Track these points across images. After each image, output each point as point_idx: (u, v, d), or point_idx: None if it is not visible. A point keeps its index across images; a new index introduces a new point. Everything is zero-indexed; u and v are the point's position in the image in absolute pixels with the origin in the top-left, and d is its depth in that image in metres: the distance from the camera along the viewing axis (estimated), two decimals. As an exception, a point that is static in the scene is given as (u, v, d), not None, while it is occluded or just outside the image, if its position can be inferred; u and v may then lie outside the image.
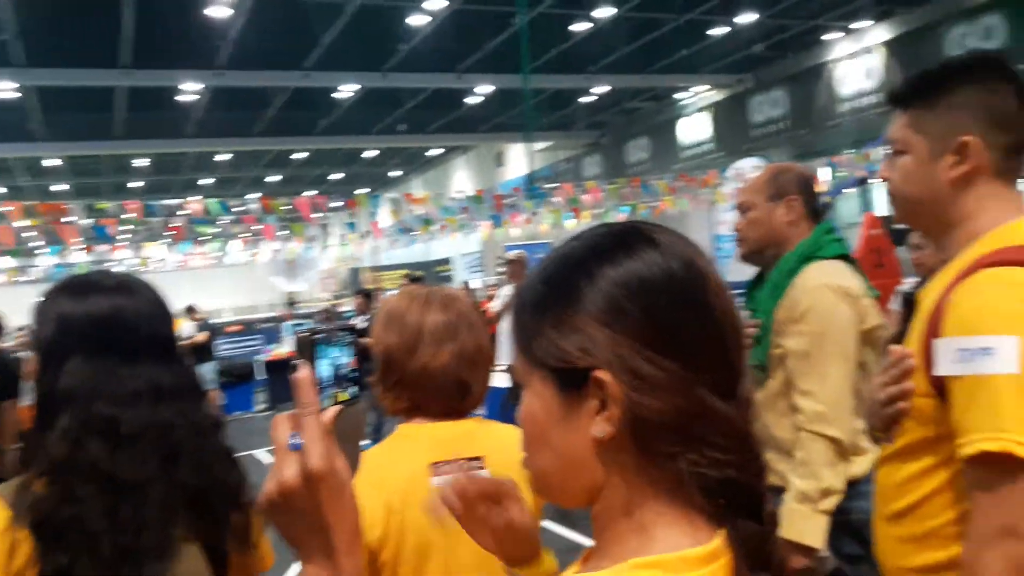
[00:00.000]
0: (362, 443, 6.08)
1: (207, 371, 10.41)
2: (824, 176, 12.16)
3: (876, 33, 15.09)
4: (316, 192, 26.75)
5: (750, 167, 11.69)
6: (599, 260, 0.67)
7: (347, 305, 15.74)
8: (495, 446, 1.47)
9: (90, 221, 13.37)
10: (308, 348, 0.76)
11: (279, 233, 15.80)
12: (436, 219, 14.51)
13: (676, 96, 20.22)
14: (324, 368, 0.79)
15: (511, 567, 0.96)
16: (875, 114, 14.41)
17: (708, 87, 19.07)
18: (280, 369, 11.51)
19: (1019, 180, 1.38)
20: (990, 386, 1.13)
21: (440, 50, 15.06)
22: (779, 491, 1.98)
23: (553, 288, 0.68)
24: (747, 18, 14.75)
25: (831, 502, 1.93)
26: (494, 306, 7.24)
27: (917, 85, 1.39)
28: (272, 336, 13.51)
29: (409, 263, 22.24)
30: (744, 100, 18.20)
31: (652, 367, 0.62)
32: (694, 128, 19.77)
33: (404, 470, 1.40)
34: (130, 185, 26.46)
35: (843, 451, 1.96)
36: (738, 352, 0.67)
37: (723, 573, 0.62)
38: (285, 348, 12.32)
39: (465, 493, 0.91)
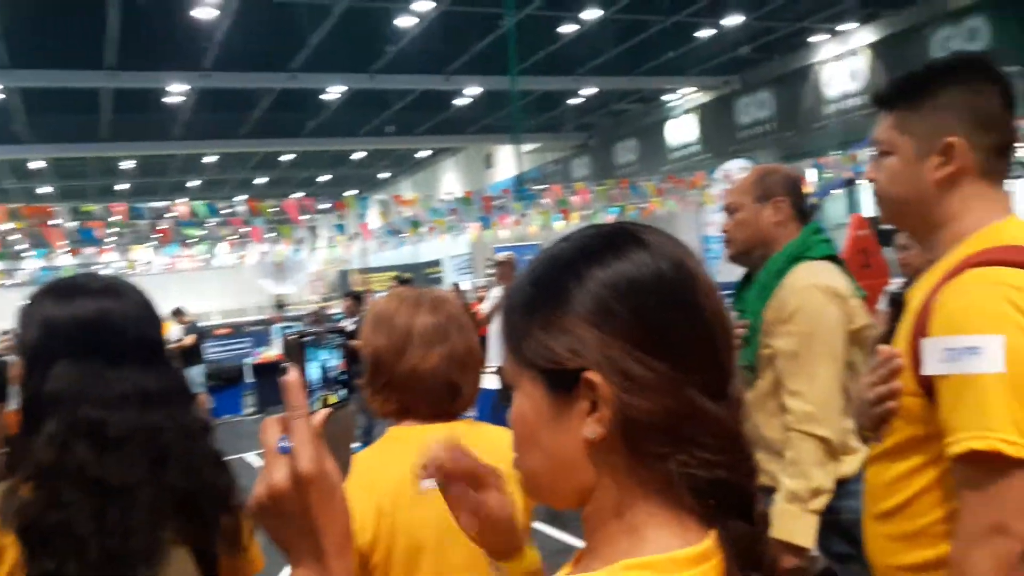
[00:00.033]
0: (353, 445, 6.07)
1: (195, 374, 10.37)
2: (810, 177, 12.23)
3: (861, 35, 15.20)
4: (304, 194, 26.67)
5: (737, 168, 11.74)
6: (588, 261, 0.67)
7: (336, 307, 15.69)
8: (486, 448, 1.46)
9: (76, 224, 13.27)
10: (297, 351, 0.76)
11: (267, 235, 15.73)
12: (425, 221, 14.50)
13: (663, 98, 20.29)
14: (313, 371, 0.79)
15: (494, 560, 0.97)
16: (861, 116, 14.50)
17: (695, 89, 19.14)
18: (269, 372, 11.46)
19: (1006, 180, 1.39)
20: (977, 385, 1.14)
21: (427, 52, 15.05)
22: (770, 491, 1.98)
23: (542, 289, 0.68)
24: (733, 20, 14.82)
25: (821, 502, 1.94)
26: (484, 308, 7.24)
27: (902, 87, 1.40)
28: (261, 339, 13.46)
29: (398, 265, 22.19)
30: (731, 102, 18.28)
31: (642, 368, 0.62)
32: (681, 130, 19.84)
33: (395, 473, 1.40)
34: (116, 187, 26.30)
35: (832, 451, 1.97)
36: (728, 353, 0.67)
37: (714, 574, 0.62)
38: (274, 351, 12.27)
39: (442, 467, 0.91)
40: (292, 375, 0.67)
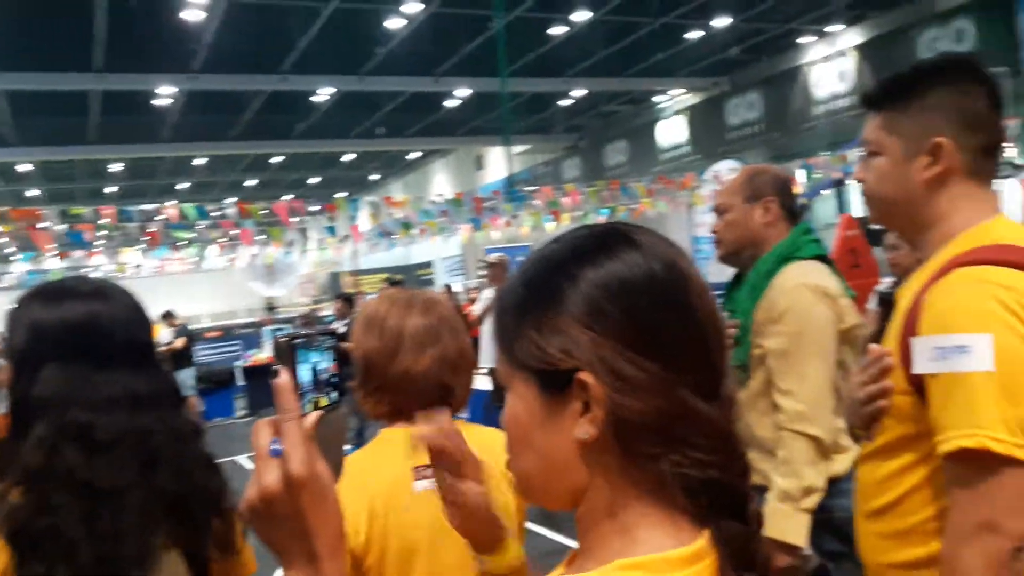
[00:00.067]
0: (345, 448, 6.05)
1: (186, 377, 10.33)
2: (800, 178, 12.27)
3: (849, 37, 15.27)
4: (294, 196, 26.60)
5: (727, 169, 11.77)
6: (580, 262, 0.67)
7: (327, 310, 15.64)
8: (478, 449, 1.46)
9: (64, 227, 13.18)
10: (288, 353, 0.75)
11: (257, 238, 15.66)
12: (416, 223, 14.47)
13: (653, 99, 20.33)
14: (304, 373, 0.78)
15: (478, 553, 0.97)
16: (849, 116, 14.56)
17: (684, 90, 19.19)
18: (260, 375, 11.44)
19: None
20: (966, 383, 1.15)
21: (417, 53, 15.04)
22: (762, 490, 1.99)
23: (534, 290, 0.68)
24: (722, 22, 14.87)
25: (813, 500, 1.95)
26: (476, 309, 7.23)
27: (890, 88, 1.41)
28: (251, 342, 13.42)
29: (390, 267, 22.13)
30: (720, 103, 18.33)
31: (634, 368, 0.63)
32: (671, 131, 19.88)
33: (387, 474, 1.40)
34: (105, 190, 26.16)
35: (824, 450, 1.97)
36: (720, 353, 0.67)
37: (707, 573, 0.62)
38: (264, 354, 12.24)
39: (431, 444, 0.96)
40: (283, 378, 0.66)
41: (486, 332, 6.41)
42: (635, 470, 0.64)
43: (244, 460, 7.53)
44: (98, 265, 17.79)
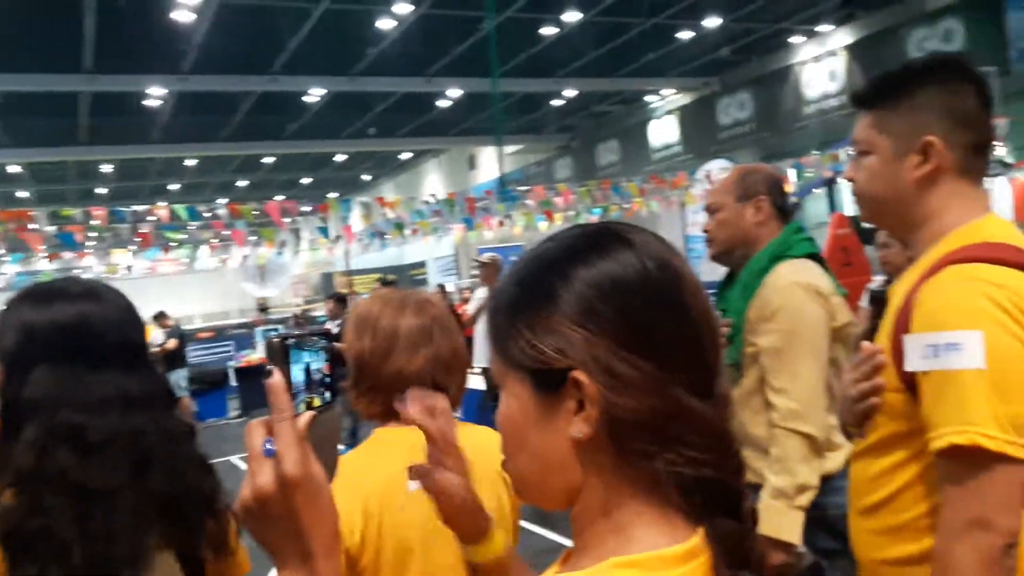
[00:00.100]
0: (339, 448, 6.04)
1: (179, 378, 10.30)
2: (791, 177, 12.31)
3: (839, 36, 15.33)
4: (285, 197, 26.53)
5: (718, 169, 11.80)
6: (573, 261, 0.67)
7: (320, 310, 15.60)
8: (472, 449, 1.46)
9: (54, 228, 13.12)
10: (280, 353, 0.75)
11: (249, 238, 15.62)
12: (408, 223, 14.45)
13: (645, 99, 20.37)
14: (297, 373, 0.78)
15: (463, 544, 0.98)
16: (840, 116, 14.63)
17: (675, 90, 19.23)
18: (253, 375, 11.41)
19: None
20: (957, 381, 1.16)
21: (408, 54, 15.02)
22: (757, 488, 2.00)
23: (528, 290, 0.68)
24: (713, 22, 14.91)
25: (806, 498, 1.95)
26: (469, 309, 7.23)
27: (880, 87, 1.41)
28: (244, 342, 13.38)
29: (383, 267, 22.09)
30: (711, 103, 18.38)
31: (627, 367, 0.63)
32: (663, 131, 19.92)
33: (381, 474, 1.40)
34: (96, 191, 26.04)
35: (817, 447, 1.98)
36: (714, 351, 0.67)
37: (702, 571, 0.62)
38: (257, 354, 12.21)
39: (414, 422, 0.98)
40: (276, 377, 0.66)
41: (479, 332, 6.42)
42: (629, 469, 0.64)
43: (238, 460, 7.52)
44: (89, 266, 17.70)
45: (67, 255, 15.25)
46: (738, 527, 0.64)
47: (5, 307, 1.25)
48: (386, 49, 14.74)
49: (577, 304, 0.65)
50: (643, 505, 0.64)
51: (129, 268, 16.42)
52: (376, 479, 1.39)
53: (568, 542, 0.70)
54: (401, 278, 19.58)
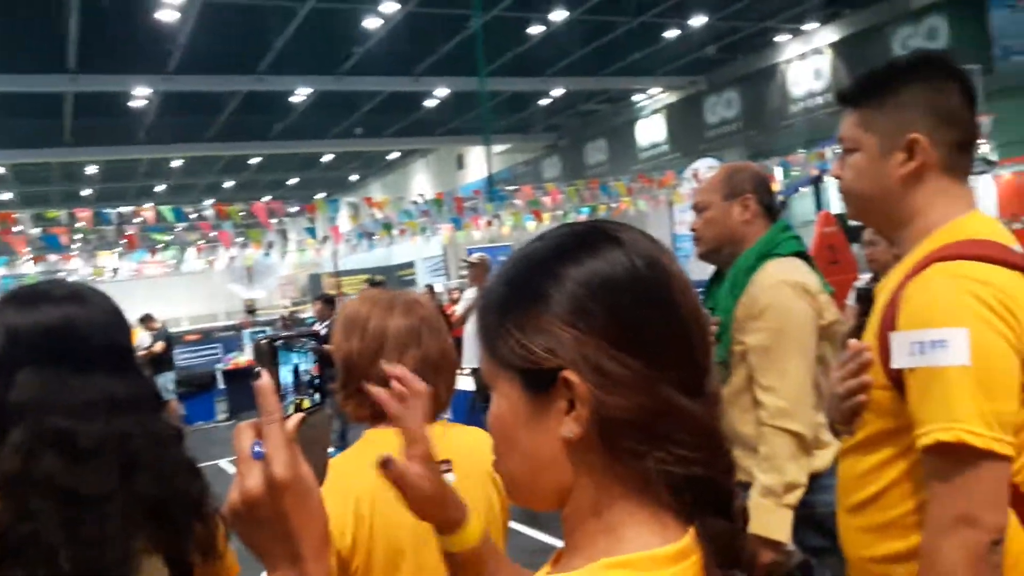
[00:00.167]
0: (330, 450, 6.02)
1: (166, 381, 10.24)
2: (778, 175, 12.37)
3: (824, 34, 15.42)
4: (272, 197, 26.41)
5: (706, 167, 11.83)
6: (563, 260, 0.67)
7: (308, 311, 15.53)
8: (462, 450, 1.46)
9: (39, 230, 13.01)
10: (268, 354, 0.74)
11: (236, 240, 15.54)
12: (396, 223, 14.42)
13: (632, 98, 20.41)
14: (286, 375, 0.78)
15: (437, 534, 0.97)
16: (826, 114, 14.71)
17: (662, 89, 19.28)
18: (241, 378, 11.35)
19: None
20: (943, 378, 1.16)
21: (395, 53, 14.99)
22: (746, 486, 2.00)
23: (517, 289, 0.68)
24: (699, 20, 14.96)
25: (795, 496, 1.96)
26: (458, 309, 7.22)
27: (865, 85, 1.42)
28: (231, 344, 13.33)
29: (371, 268, 22.02)
30: (698, 102, 18.44)
31: (617, 366, 0.62)
32: (650, 130, 19.97)
33: (371, 476, 1.38)
34: (81, 193, 25.85)
35: (805, 445, 1.99)
36: (704, 349, 0.67)
37: (693, 571, 0.62)
38: (245, 356, 12.15)
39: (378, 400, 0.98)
40: (264, 379, 0.66)
41: (468, 332, 6.41)
42: (620, 468, 0.64)
43: (226, 464, 7.48)
44: (74, 269, 17.56)
45: (52, 257, 15.13)
46: (729, 526, 0.64)
47: None
48: (372, 48, 14.71)
49: (567, 303, 0.64)
50: (634, 505, 0.64)
51: (115, 270, 16.30)
52: (367, 481, 1.38)
53: (558, 543, 0.70)
54: (389, 279, 19.52)
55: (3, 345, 1.18)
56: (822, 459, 2.03)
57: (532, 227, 14.25)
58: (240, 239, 15.56)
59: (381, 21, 13.72)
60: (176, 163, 23.43)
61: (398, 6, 13.11)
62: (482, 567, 0.96)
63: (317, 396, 0.83)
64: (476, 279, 6.64)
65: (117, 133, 18.56)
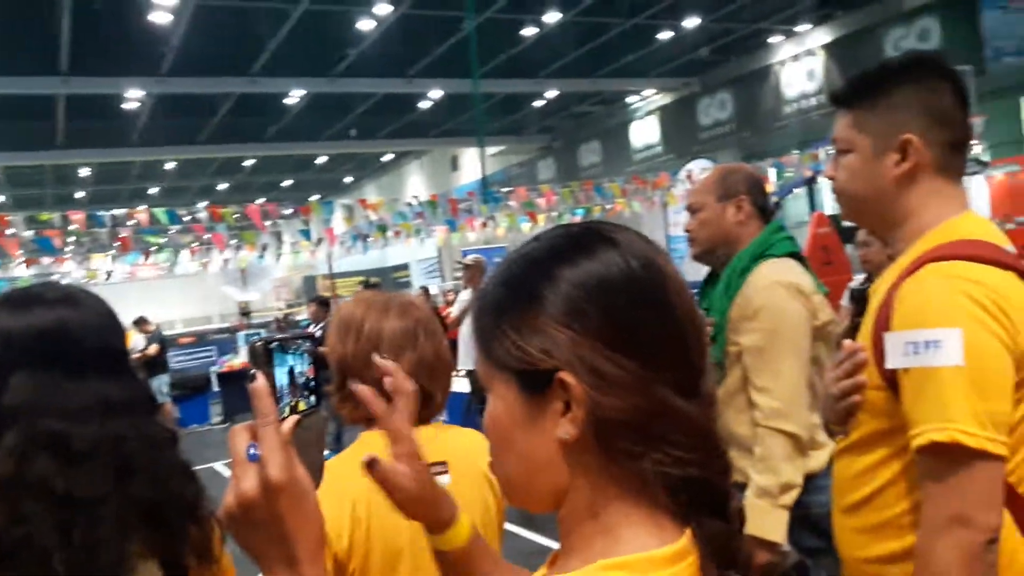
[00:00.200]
0: (325, 453, 6.01)
1: (160, 384, 10.20)
2: (771, 177, 12.41)
3: (817, 36, 15.48)
4: (266, 199, 26.36)
5: (699, 169, 11.86)
6: (558, 261, 0.67)
7: (302, 314, 15.50)
8: (457, 452, 1.46)
9: (32, 233, 12.97)
10: (263, 356, 0.74)
11: (230, 242, 15.51)
12: (391, 225, 14.40)
13: (626, 100, 20.44)
14: (281, 377, 0.77)
15: (426, 533, 0.97)
16: (819, 115, 14.76)
17: (656, 91, 19.32)
18: (235, 380, 11.31)
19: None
20: (937, 378, 1.16)
21: (388, 55, 15.00)
22: (742, 487, 2.00)
23: (513, 290, 0.68)
24: (692, 22, 15.00)
25: (791, 497, 1.96)
26: (453, 311, 7.22)
27: (858, 86, 1.42)
28: (226, 347, 13.28)
29: (366, 269, 21.99)
30: (691, 103, 18.49)
31: (613, 367, 0.62)
32: (644, 131, 20.01)
33: (367, 479, 1.39)
34: (74, 196, 25.77)
35: (801, 446, 1.99)
36: (699, 350, 0.67)
37: (690, 572, 0.62)
38: (240, 359, 12.12)
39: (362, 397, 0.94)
40: (259, 381, 0.66)
41: (464, 334, 6.40)
42: (616, 469, 0.64)
43: (221, 467, 7.46)
44: (68, 272, 17.49)
45: (45, 260, 15.06)
46: (725, 527, 0.64)
47: None
48: (366, 50, 14.71)
49: (562, 304, 0.64)
50: (630, 506, 0.64)
51: (109, 273, 16.24)
52: (363, 483, 1.37)
53: (554, 545, 0.69)
54: (384, 281, 19.51)
55: (-4, 348, 1.18)
56: (817, 460, 2.03)
57: (527, 228, 14.26)
58: (234, 241, 15.52)
59: (374, 23, 13.72)
60: (169, 165, 23.38)
61: (391, 8, 13.11)
62: (473, 566, 0.96)
63: (312, 398, 0.83)
64: (471, 281, 6.63)
65: (110, 135, 18.51)
